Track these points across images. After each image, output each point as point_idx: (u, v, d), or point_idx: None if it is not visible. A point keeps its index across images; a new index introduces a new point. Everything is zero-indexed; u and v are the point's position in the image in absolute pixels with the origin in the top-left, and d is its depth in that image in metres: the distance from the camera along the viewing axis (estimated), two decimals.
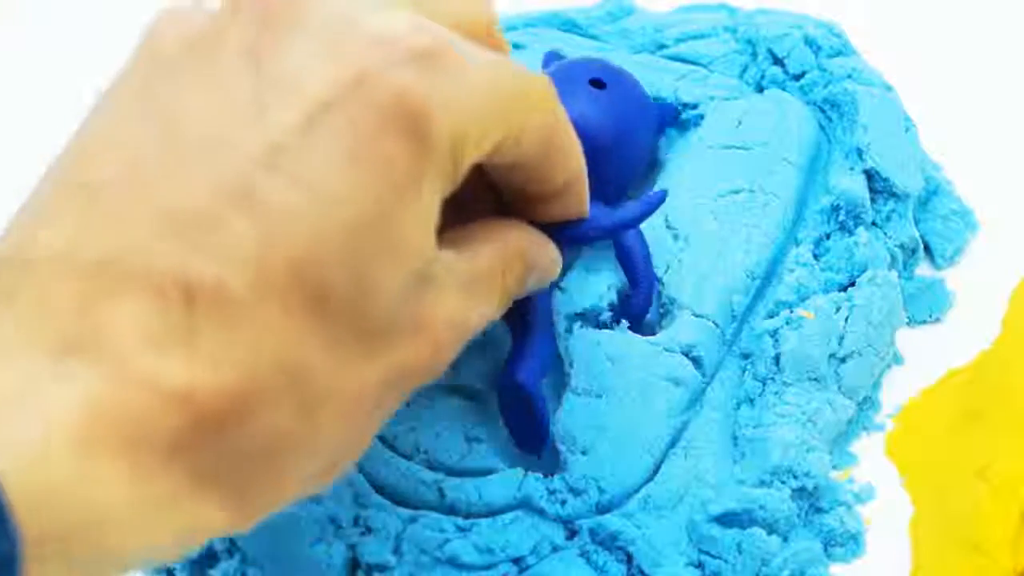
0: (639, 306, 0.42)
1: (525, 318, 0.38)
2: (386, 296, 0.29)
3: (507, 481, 0.39)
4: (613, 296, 0.42)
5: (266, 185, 0.28)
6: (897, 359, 0.44)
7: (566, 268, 0.43)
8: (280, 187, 0.28)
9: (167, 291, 0.27)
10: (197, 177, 0.28)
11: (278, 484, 0.29)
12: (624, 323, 0.42)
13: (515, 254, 0.35)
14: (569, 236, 0.37)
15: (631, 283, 0.42)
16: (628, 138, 0.43)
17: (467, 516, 0.39)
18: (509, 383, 0.38)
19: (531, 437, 0.39)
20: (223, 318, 0.27)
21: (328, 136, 0.28)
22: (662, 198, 0.39)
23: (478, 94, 0.30)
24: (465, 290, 0.32)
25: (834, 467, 0.41)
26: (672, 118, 0.46)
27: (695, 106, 0.47)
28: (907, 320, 0.44)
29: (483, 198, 0.36)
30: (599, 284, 0.42)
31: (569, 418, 0.40)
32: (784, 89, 0.47)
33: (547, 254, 0.36)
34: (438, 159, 0.30)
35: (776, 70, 0.48)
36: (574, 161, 0.35)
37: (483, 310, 0.33)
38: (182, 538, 0.28)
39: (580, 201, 0.37)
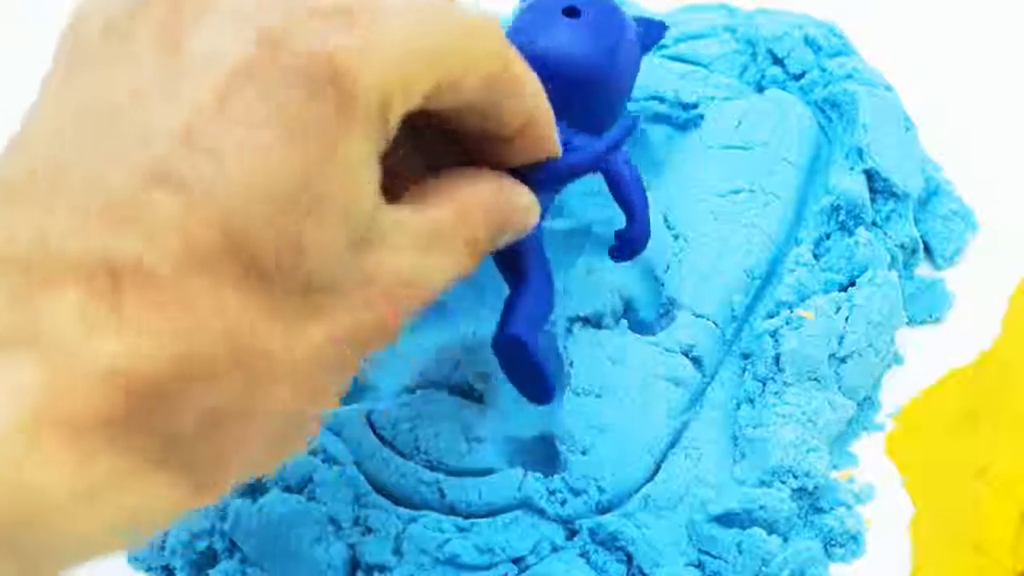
0: (637, 237, 0.40)
1: (516, 268, 0.38)
2: (323, 256, 0.29)
3: (507, 481, 0.39)
4: (617, 302, 0.42)
5: (184, 162, 0.28)
6: (897, 359, 0.44)
7: (567, 268, 0.43)
8: (198, 162, 0.28)
9: (95, 276, 0.27)
10: (115, 163, 0.28)
11: (230, 457, 0.29)
12: (624, 323, 0.42)
13: (475, 205, 0.33)
14: (544, 177, 0.36)
15: (626, 214, 0.40)
16: (610, 65, 0.41)
17: (467, 516, 0.39)
18: (501, 339, 0.37)
19: (536, 389, 0.39)
20: (150, 296, 0.27)
21: (243, 107, 0.28)
22: (634, 123, 0.38)
23: (401, 43, 0.30)
24: (420, 246, 0.32)
25: (834, 467, 0.41)
26: (658, 34, 0.44)
27: (695, 106, 0.47)
28: (907, 320, 0.44)
29: (450, 147, 0.35)
30: (603, 290, 0.42)
31: (569, 418, 0.40)
32: (784, 89, 0.47)
33: (518, 200, 0.35)
34: (363, 114, 0.29)
35: (776, 70, 0.48)
36: (529, 101, 0.34)
37: (444, 266, 0.32)
38: (137, 519, 0.28)
39: (545, 141, 0.35)
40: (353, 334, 0.30)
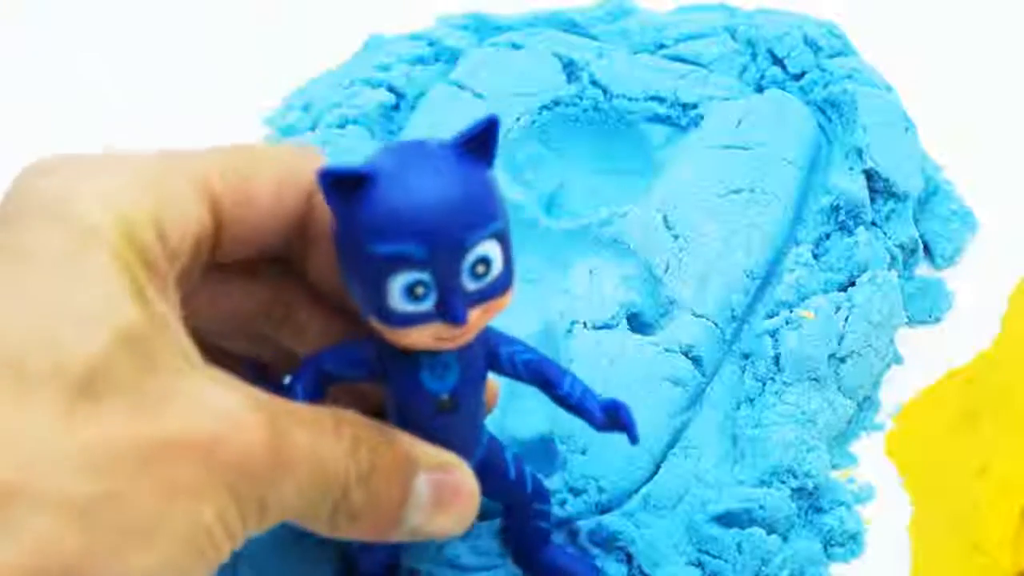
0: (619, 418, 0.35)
1: None
2: None
3: None
4: (617, 302, 0.42)
5: None
6: (897, 359, 0.44)
7: (567, 268, 0.43)
8: None
9: None
10: None
11: None
12: (624, 323, 0.42)
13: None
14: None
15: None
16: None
17: None
18: None
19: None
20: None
21: None
22: None
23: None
24: None
25: (834, 467, 0.41)
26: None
27: (695, 106, 0.47)
28: (907, 320, 0.44)
29: None
30: (603, 290, 0.42)
31: (569, 418, 0.40)
32: (784, 89, 0.47)
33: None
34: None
35: (776, 70, 0.48)
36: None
37: None
38: None
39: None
40: None
